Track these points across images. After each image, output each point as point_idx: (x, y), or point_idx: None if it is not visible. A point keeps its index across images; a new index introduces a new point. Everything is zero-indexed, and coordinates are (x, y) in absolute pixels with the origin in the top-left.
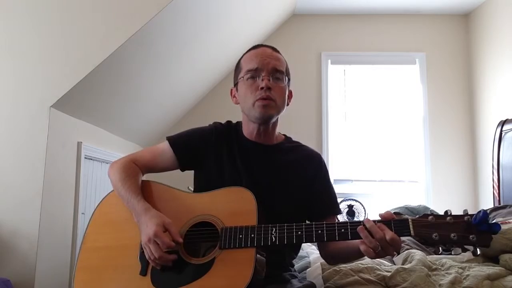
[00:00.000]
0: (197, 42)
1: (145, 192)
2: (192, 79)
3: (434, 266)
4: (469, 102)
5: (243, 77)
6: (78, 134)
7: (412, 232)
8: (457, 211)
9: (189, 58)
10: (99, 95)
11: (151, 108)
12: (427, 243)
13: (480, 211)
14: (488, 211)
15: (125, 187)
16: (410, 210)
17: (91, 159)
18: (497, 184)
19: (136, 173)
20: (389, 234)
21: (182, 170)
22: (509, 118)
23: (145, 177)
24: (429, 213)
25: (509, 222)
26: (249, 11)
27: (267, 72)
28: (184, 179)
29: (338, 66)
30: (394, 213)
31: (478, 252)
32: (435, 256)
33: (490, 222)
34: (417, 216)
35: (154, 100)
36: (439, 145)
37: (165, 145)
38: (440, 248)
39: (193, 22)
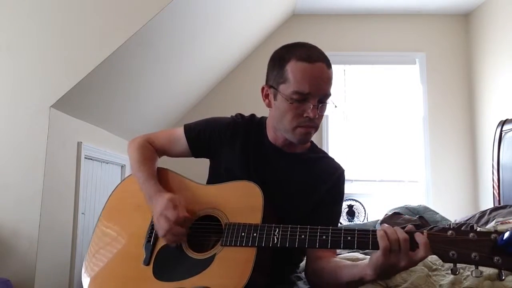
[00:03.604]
0: (197, 42)
1: (158, 180)
2: (192, 79)
3: (434, 266)
4: (469, 102)
5: (290, 97)
6: (78, 134)
7: None
8: (457, 211)
9: (189, 58)
10: (99, 95)
11: (152, 108)
12: (444, 261)
13: (507, 230)
14: (488, 211)
15: (141, 169)
16: (410, 210)
17: (91, 159)
18: (497, 184)
19: (152, 156)
20: (402, 234)
21: (196, 157)
22: (509, 118)
23: (162, 161)
24: (450, 226)
25: (509, 222)
26: (249, 11)
27: (317, 100)
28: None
29: (338, 66)
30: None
31: (503, 277)
32: (435, 256)
33: None
34: (435, 229)
35: (154, 100)
36: (439, 145)
37: (181, 132)
38: (457, 267)
39: (193, 22)
